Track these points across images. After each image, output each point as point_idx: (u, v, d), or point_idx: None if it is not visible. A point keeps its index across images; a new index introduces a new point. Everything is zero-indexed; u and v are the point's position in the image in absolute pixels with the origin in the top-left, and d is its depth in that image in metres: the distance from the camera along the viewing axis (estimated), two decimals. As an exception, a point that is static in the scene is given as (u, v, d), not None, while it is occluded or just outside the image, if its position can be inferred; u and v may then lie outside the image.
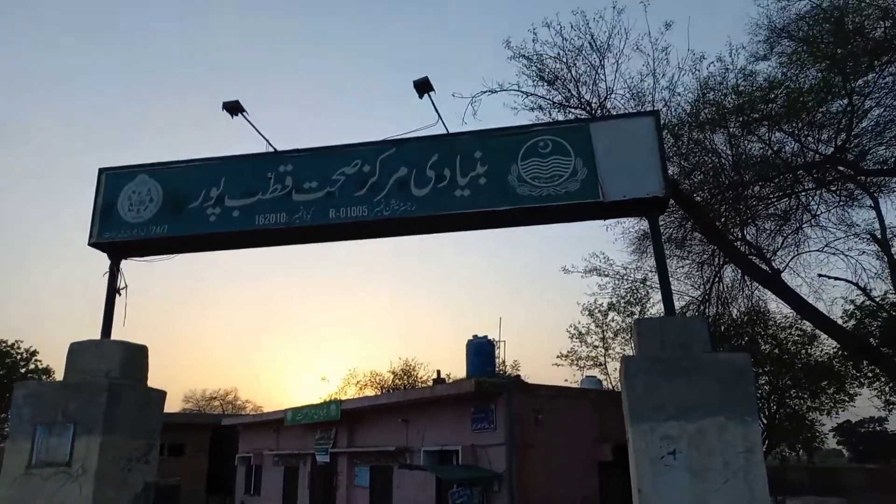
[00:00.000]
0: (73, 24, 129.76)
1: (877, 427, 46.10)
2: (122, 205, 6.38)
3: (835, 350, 18.62)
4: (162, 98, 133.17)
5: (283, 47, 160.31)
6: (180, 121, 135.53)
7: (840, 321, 15.97)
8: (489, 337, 18.58)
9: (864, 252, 13.32)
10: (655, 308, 20.52)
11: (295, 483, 22.63)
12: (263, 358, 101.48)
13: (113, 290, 6.25)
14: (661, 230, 8.08)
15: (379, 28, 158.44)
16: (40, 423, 5.52)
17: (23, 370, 33.55)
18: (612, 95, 12.36)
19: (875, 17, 11.32)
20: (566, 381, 25.59)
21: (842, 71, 10.88)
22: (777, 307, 16.81)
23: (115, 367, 5.84)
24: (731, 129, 12.12)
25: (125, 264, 6.48)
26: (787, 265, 13.82)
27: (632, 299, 20.40)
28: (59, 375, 6.77)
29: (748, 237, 14.04)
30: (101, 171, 6.65)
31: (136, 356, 6.13)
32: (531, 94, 12.61)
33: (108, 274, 6.29)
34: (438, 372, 21.64)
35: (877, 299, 15.21)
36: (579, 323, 28.40)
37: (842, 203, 12.87)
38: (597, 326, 29.56)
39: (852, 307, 16.99)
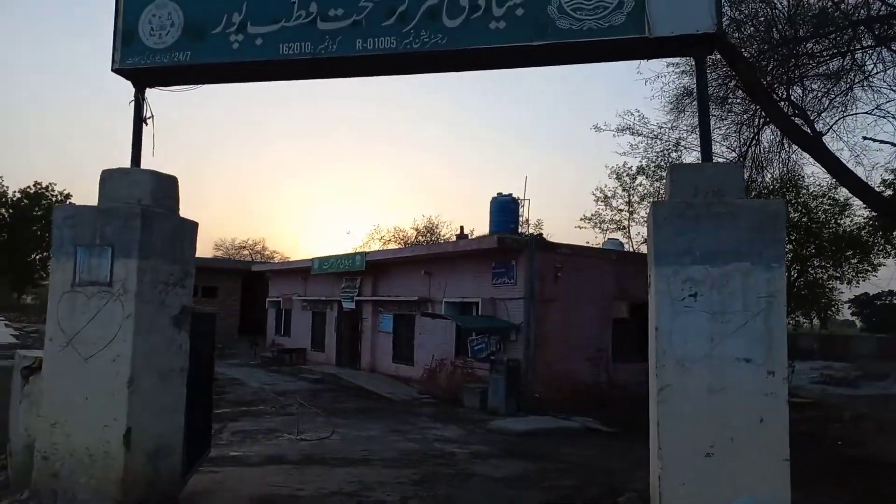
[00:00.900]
0: None
1: (893, 300, 46.60)
2: (142, 29, 6.13)
3: (866, 220, 18.38)
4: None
5: None
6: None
7: (877, 189, 15.57)
8: (513, 195, 18.55)
9: (916, 115, 12.68)
10: (686, 172, 20.08)
11: (322, 326, 23.95)
12: (289, 210, 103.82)
13: (139, 120, 6.20)
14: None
15: None
16: (80, 244, 5.72)
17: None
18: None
19: None
20: (587, 243, 25.87)
21: None
22: (812, 172, 16.37)
23: (146, 195, 5.93)
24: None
25: (151, 96, 6.37)
26: (831, 128, 13.26)
27: (662, 163, 19.93)
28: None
29: (793, 97, 13.37)
30: (117, -10, 6.32)
31: (167, 185, 6.20)
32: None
33: (133, 102, 6.21)
34: (462, 227, 21.95)
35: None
36: (605, 186, 28.18)
37: (901, 61, 12.00)
38: (623, 190, 29.37)
39: (892, 176, 16.50)
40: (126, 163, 6.23)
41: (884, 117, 12.70)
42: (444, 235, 40.17)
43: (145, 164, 6.30)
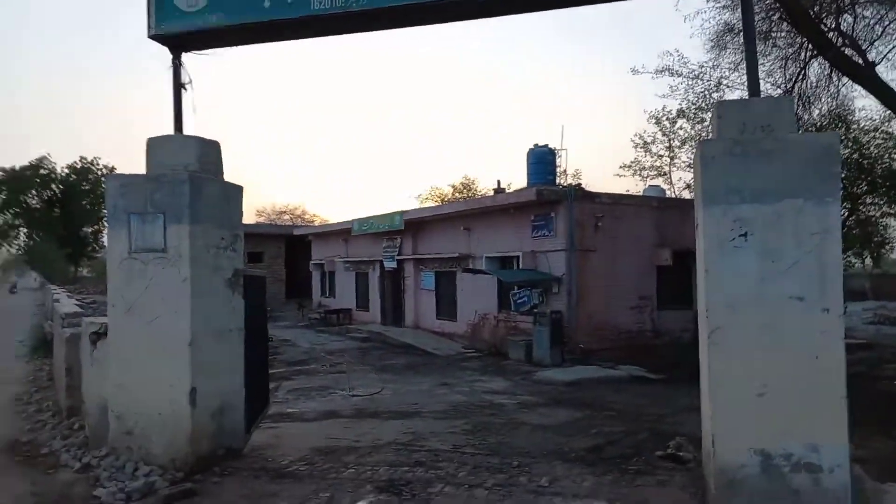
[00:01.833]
0: None
1: (952, 237, 44.58)
2: (174, -7, 6.16)
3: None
4: None
5: None
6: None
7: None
8: (550, 146, 18.27)
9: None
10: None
11: (366, 286, 24.35)
12: (327, 175, 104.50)
13: (178, 85, 6.27)
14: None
15: None
16: (132, 212, 5.90)
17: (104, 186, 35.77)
18: None
19: None
20: (627, 191, 25.39)
21: None
22: (864, 105, 15.64)
23: (192, 161, 6.05)
24: None
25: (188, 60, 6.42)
26: (885, 56, 12.60)
27: (704, 104, 19.28)
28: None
29: (843, 27, 12.70)
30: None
31: (211, 150, 6.31)
32: None
33: (171, 68, 6.28)
34: (499, 182, 21.79)
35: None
36: (645, 132, 27.42)
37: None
38: (663, 135, 28.55)
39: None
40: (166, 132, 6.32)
41: (943, 41, 11.97)
42: (480, 191, 39.99)
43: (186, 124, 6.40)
